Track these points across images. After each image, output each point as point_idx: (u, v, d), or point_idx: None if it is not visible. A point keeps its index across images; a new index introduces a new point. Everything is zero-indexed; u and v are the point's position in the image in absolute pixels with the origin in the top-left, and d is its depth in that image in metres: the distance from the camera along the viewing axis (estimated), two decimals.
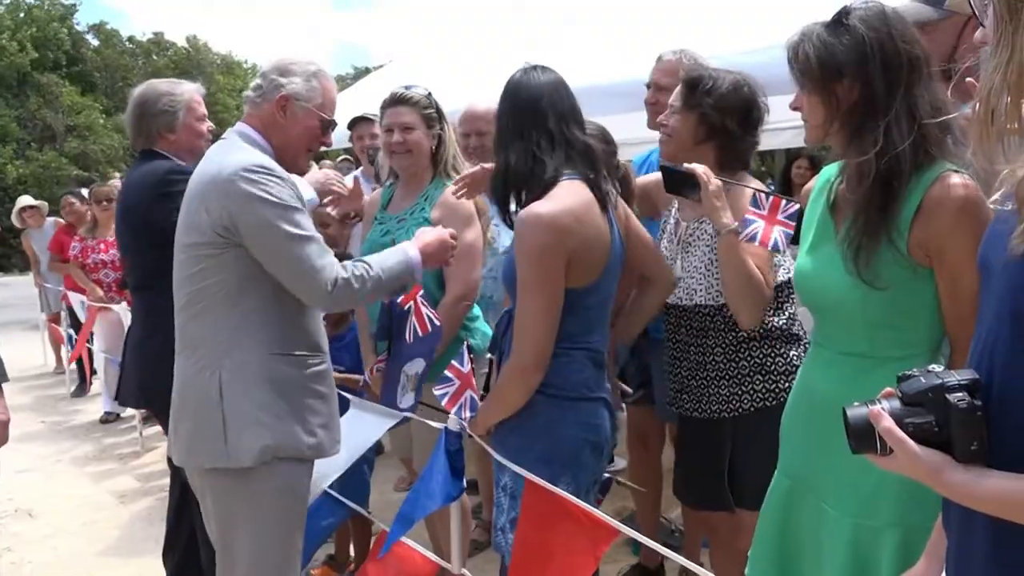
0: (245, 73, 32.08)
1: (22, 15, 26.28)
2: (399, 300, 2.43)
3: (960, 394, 1.00)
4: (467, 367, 2.13)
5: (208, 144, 2.84)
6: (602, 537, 1.88)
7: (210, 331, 2.07)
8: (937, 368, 1.05)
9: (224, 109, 27.27)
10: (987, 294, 1.05)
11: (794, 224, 1.99)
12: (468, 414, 2.13)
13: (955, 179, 1.52)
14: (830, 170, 1.81)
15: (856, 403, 1.08)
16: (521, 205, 2.06)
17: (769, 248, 2.05)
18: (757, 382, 2.25)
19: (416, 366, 2.49)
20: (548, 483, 1.95)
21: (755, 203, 2.07)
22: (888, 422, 1.02)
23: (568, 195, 2.00)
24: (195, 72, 27.93)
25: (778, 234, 2.01)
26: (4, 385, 2.39)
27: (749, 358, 2.26)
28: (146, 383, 2.86)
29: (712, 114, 2.25)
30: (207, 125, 2.98)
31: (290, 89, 2.14)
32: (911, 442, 1.01)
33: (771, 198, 2.05)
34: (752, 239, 2.05)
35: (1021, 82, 0.93)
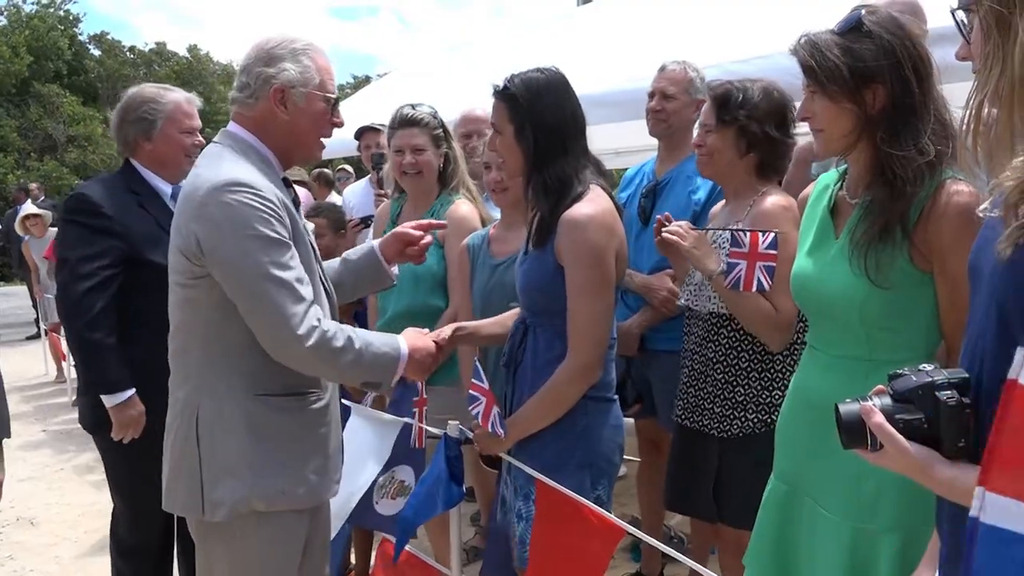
0: None
1: (19, 23, 26.34)
2: (413, 400, 2.41)
3: (949, 392, 1.02)
4: (487, 383, 2.08)
5: (189, 161, 2.69)
6: (610, 537, 1.89)
7: (190, 368, 1.86)
8: (928, 367, 1.08)
9: (226, 119, 27.31)
10: (976, 297, 1.07)
11: (775, 252, 2.05)
12: (500, 431, 2.06)
13: (958, 186, 1.54)
14: (828, 177, 1.83)
15: (848, 400, 1.11)
16: (547, 213, 2.04)
17: (754, 289, 2.09)
18: (750, 411, 2.25)
19: (406, 475, 2.49)
20: (585, 489, 1.98)
21: (735, 242, 2.11)
22: (879, 417, 1.05)
23: (601, 198, 2.04)
24: (196, 82, 28.01)
25: (760, 271, 2.07)
26: (8, 396, 2.32)
27: (747, 386, 2.25)
28: (82, 407, 2.73)
29: (751, 125, 2.24)
30: (194, 140, 2.74)
31: (283, 78, 1.85)
32: (901, 438, 1.04)
33: (748, 234, 2.09)
34: (736, 285, 2.10)
35: (1013, 95, 0.94)
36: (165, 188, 2.73)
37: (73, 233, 2.59)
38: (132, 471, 2.63)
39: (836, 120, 1.63)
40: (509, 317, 2.31)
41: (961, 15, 1.30)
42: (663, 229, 2.28)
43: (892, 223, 1.57)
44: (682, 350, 2.46)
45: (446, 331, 2.15)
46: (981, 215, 1.07)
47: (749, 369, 2.24)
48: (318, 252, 2.00)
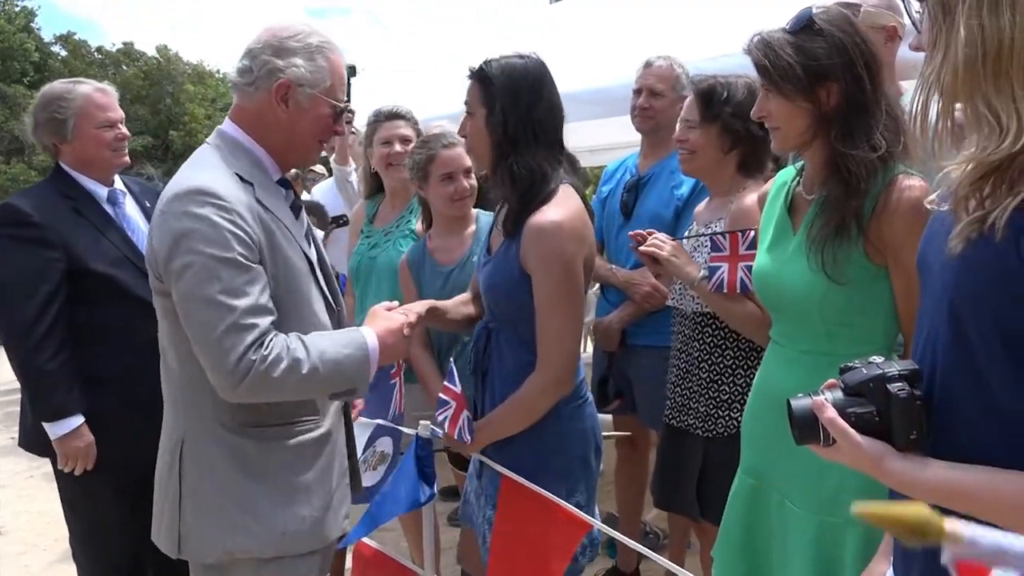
0: (216, 83, 31.77)
1: None
2: (391, 371, 2.34)
3: (900, 384, 1.03)
4: (459, 387, 2.03)
5: (117, 155, 2.56)
6: (575, 532, 1.90)
7: (175, 392, 1.70)
8: (878, 359, 1.08)
9: (193, 119, 27.02)
10: (927, 292, 1.08)
11: (755, 252, 2.01)
12: (468, 437, 2.01)
13: (909, 181, 1.58)
14: (786, 173, 1.86)
15: (800, 395, 1.11)
16: (517, 212, 1.95)
17: (737, 290, 2.07)
18: (735, 410, 2.23)
19: (385, 445, 2.46)
20: (562, 498, 1.93)
21: (715, 247, 2.10)
22: (831, 412, 1.05)
23: (571, 199, 1.95)
24: (166, 82, 27.63)
25: (742, 272, 2.05)
26: None
27: (732, 384, 2.24)
28: (26, 427, 2.56)
29: (734, 122, 2.22)
30: (116, 132, 2.53)
31: (292, 74, 1.68)
32: (853, 431, 1.04)
33: (728, 237, 2.08)
34: (720, 287, 2.08)
35: (954, 83, 0.95)
36: (99, 191, 2.55)
37: (4, 249, 2.37)
38: (88, 494, 2.50)
39: (791, 118, 1.65)
40: (466, 300, 2.28)
41: (915, 5, 1.33)
42: (642, 247, 2.24)
43: (847, 219, 1.59)
44: (671, 349, 2.46)
45: (419, 306, 2.03)
46: (929, 207, 1.09)
47: (734, 367, 2.24)
48: (321, 257, 1.85)
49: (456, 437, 2.02)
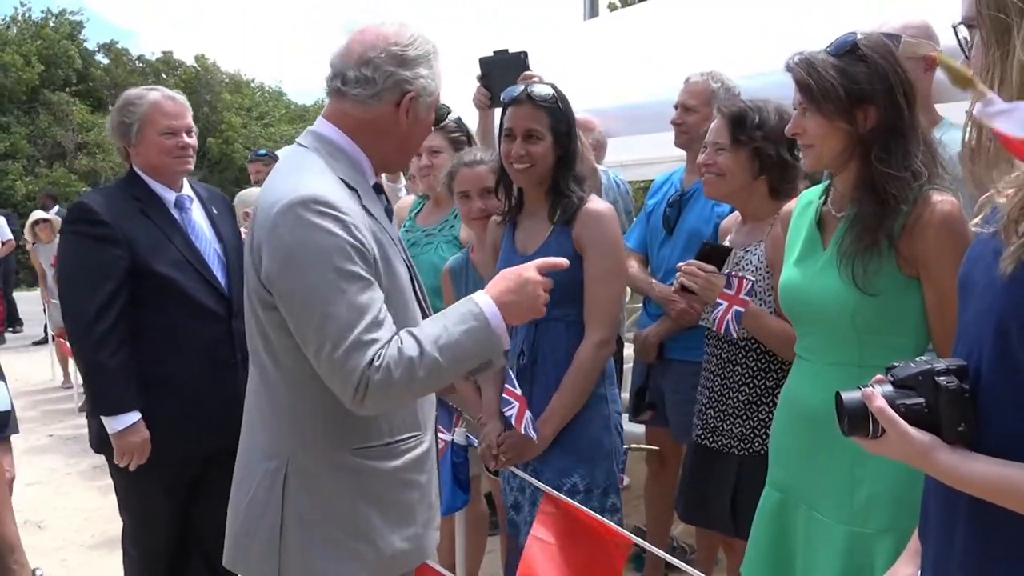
0: (252, 92, 32.23)
1: (30, 32, 26.55)
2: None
3: (949, 377, 1.05)
4: (518, 388, 2.10)
5: (178, 163, 2.58)
6: (619, 550, 1.91)
7: (276, 409, 1.60)
8: (925, 357, 1.11)
9: (230, 127, 27.34)
10: (968, 312, 1.09)
11: (749, 300, 2.11)
12: (534, 434, 2.08)
13: (940, 197, 1.61)
14: (811, 192, 1.89)
15: (849, 388, 1.14)
16: (575, 204, 2.23)
17: (721, 331, 2.13)
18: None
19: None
20: (615, 475, 2.23)
21: (728, 284, 2.14)
22: (880, 401, 1.08)
23: None
24: (204, 91, 28.07)
25: (731, 316, 2.11)
26: (15, 401, 2.16)
27: (772, 404, 2.18)
28: (90, 425, 2.59)
29: (766, 146, 2.20)
30: (177, 140, 2.56)
31: (419, 86, 1.61)
32: (902, 422, 1.06)
33: (737, 280, 2.11)
34: (713, 323, 2.16)
35: None
36: (168, 195, 2.60)
37: (73, 244, 2.49)
38: (138, 491, 2.56)
39: (827, 137, 1.68)
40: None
41: (964, 32, 1.34)
42: (680, 282, 2.24)
43: (880, 237, 1.63)
44: (702, 370, 2.44)
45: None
46: (973, 229, 1.10)
47: (775, 388, 2.20)
48: (413, 265, 1.76)
49: (523, 431, 2.13)
